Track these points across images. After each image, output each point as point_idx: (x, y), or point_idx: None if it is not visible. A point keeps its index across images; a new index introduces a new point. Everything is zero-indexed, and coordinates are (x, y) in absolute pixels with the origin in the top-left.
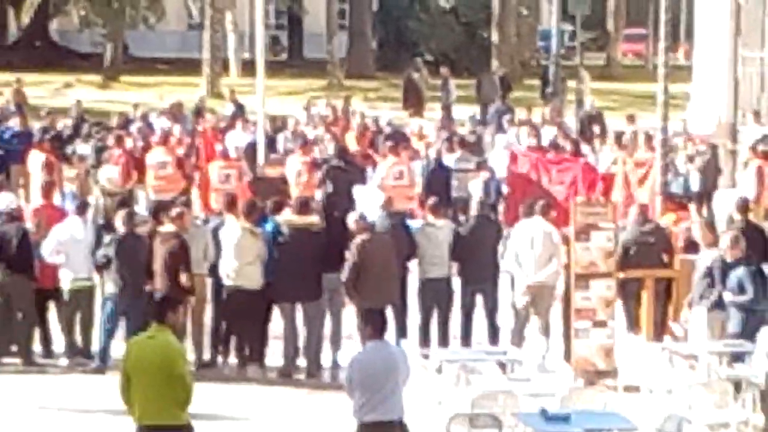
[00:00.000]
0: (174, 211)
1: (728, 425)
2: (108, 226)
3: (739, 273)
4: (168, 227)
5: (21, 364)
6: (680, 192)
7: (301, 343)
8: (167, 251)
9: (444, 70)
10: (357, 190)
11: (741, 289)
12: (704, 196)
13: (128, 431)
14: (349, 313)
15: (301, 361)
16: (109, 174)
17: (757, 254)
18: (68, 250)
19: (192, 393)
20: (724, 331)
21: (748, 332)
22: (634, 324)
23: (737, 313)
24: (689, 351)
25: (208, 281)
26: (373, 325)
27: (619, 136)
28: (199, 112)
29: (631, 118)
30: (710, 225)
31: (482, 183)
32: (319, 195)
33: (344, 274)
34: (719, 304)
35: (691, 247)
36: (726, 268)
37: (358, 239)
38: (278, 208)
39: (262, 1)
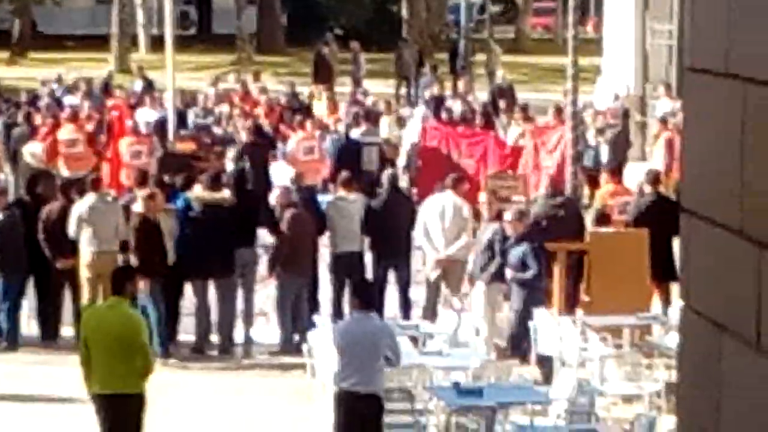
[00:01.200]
0: (144, 193)
1: (641, 396)
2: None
3: (521, 250)
4: (136, 206)
5: None
6: (591, 165)
7: (213, 319)
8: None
9: (354, 45)
10: (273, 166)
11: (524, 266)
12: (615, 169)
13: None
14: (264, 290)
15: (214, 338)
16: (34, 149)
17: (668, 226)
18: None
19: (152, 362)
20: (501, 305)
21: (528, 308)
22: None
23: (519, 290)
24: (602, 323)
25: (119, 258)
26: (360, 296)
27: (524, 108)
28: (107, 87)
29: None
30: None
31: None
32: (230, 169)
33: (277, 249)
34: (498, 277)
35: (603, 219)
36: (506, 242)
37: (288, 213)
38: (188, 184)
39: None
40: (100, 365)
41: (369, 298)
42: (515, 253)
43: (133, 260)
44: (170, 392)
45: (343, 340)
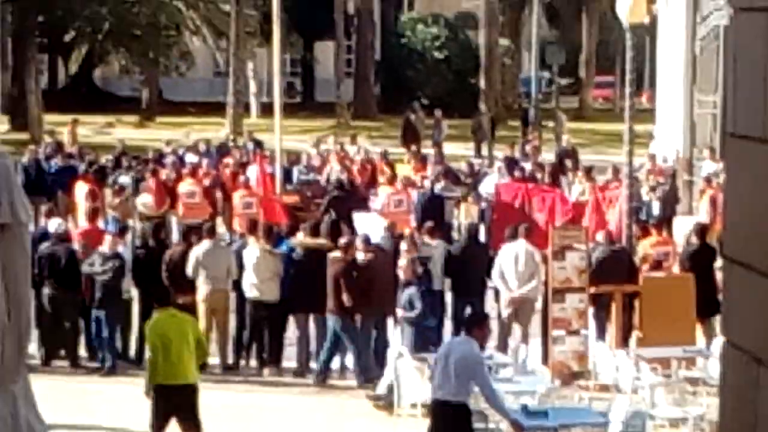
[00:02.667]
0: (343, 242)
1: (686, 420)
2: (145, 246)
3: (409, 292)
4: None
5: (69, 366)
6: (643, 218)
7: (312, 348)
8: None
9: (437, 112)
10: (357, 216)
11: (411, 306)
12: (664, 222)
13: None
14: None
15: (313, 364)
16: (145, 200)
17: (711, 271)
18: None
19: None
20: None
21: (418, 343)
22: (603, 332)
23: (407, 327)
24: (652, 355)
25: (232, 295)
26: (470, 324)
27: (588, 170)
28: (223, 148)
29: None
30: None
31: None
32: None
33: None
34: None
35: (656, 266)
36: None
37: (365, 258)
38: (292, 231)
39: (279, 51)
40: (167, 361)
41: (475, 326)
42: (405, 295)
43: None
44: (274, 410)
45: (446, 353)
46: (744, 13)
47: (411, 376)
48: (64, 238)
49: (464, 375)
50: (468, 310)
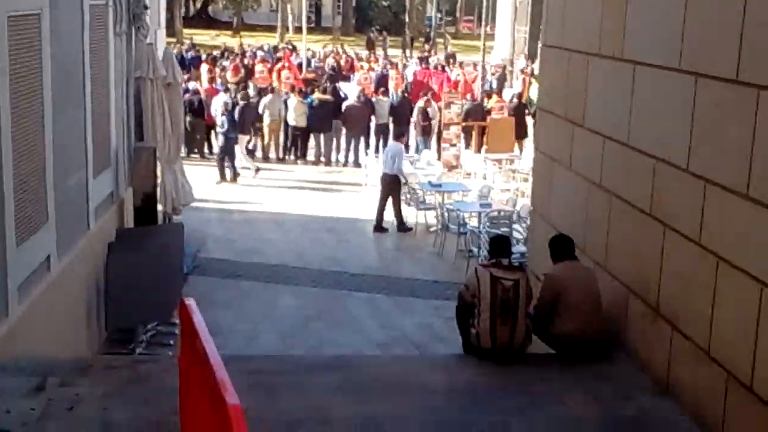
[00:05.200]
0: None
1: (509, 190)
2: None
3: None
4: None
5: (199, 158)
6: (488, 89)
7: (323, 149)
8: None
9: (384, 34)
10: (343, 85)
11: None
12: (499, 91)
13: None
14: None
15: (321, 158)
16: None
17: (523, 115)
18: (218, 108)
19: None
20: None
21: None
22: (468, 145)
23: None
24: (493, 157)
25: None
26: (401, 137)
27: (461, 63)
28: (275, 49)
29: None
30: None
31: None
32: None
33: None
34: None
35: (496, 112)
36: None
37: (354, 104)
38: (311, 91)
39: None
40: None
41: (400, 137)
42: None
43: None
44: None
45: (387, 150)
46: None
47: (373, 163)
48: (197, 91)
49: (394, 158)
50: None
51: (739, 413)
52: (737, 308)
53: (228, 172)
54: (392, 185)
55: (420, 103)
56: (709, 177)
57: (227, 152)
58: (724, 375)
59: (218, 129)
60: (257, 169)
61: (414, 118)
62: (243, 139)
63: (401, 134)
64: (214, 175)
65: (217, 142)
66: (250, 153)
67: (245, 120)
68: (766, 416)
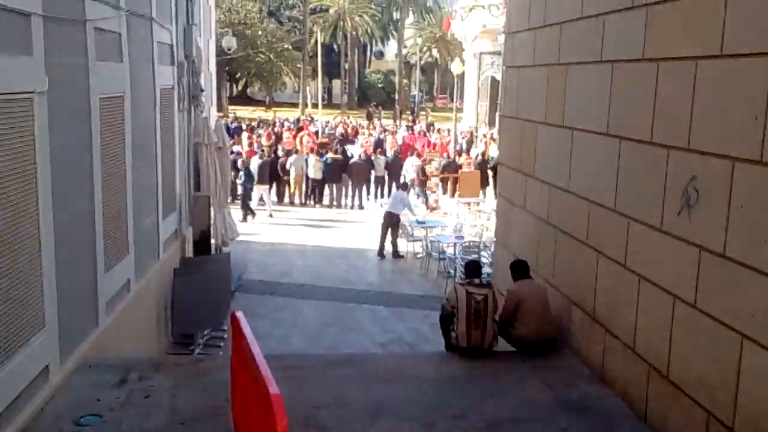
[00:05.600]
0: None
1: (476, 225)
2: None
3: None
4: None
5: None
6: (458, 149)
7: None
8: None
9: (379, 108)
10: (349, 147)
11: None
12: (467, 151)
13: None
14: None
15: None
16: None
17: (486, 169)
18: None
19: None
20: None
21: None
22: (445, 191)
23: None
24: (464, 200)
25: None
26: (404, 187)
27: (438, 129)
28: (298, 120)
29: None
30: None
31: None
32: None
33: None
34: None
35: (465, 167)
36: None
37: (359, 161)
38: (326, 152)
39: (321, 82)
40: None
41: (405, 187)
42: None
43: None
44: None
45: (394, 195)
46: (509, 69)
47: (376, 206)
48: (239, 153)
49: (400, 203)
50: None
51: (658, 395)
52: (655, 314)
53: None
54: (393, 222)
55: (417, 162)
56: (630, 215)
57: (245, 197)
58: (647, 367)
59: (237, 180)
60: (270, 214)
61: (413, 175)
62: (263, 187)
63: (406, 185)
64: (252, 217)
65: (237, 190)
66: (279, 198)
67: (263, 173)
68: (677, 397)
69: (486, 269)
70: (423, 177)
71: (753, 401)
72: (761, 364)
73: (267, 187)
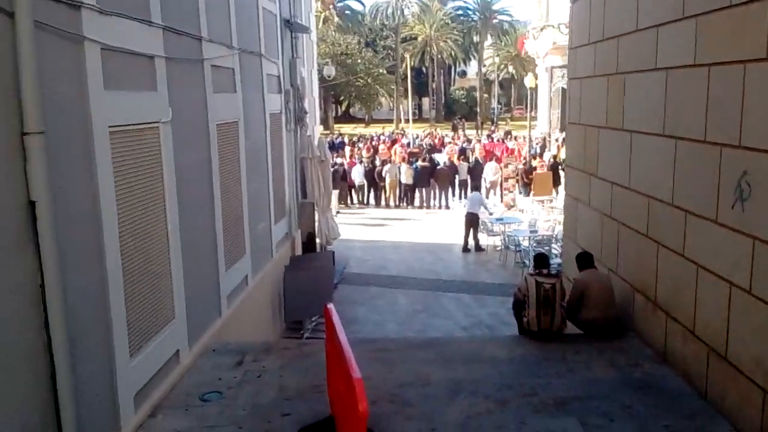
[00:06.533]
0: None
1: (549, 220)
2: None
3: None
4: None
5: (344, 207)
6: (533, 152)
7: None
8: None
9: (463, 120)
10: (435, 156)
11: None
12: (541, 154)
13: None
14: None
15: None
16: (363, 152)
17: (557, 171)
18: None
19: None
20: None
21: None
22: (521, 192)
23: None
24: (538, 199)
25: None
26: (479, 189)
27: (515, 137)
28: (392, 133)
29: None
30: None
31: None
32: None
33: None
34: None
35: (540, 169)
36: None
37: (444, 167)
38: (416, 160)
39: (411, 101)
40: None
41: (479, 189)
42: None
43: None
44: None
45: (471, 197)
46: (572, 80)
47: (460, 206)
48: (342, 164)
49: (477, 203)
50: (474, 185)
51: (716, 375)
52: (712, 299)
53: None
54: (473, 220)
55: (496, 166)
56: (687, 208)
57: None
58: (706, 348)
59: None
60: (337, 212)
61: (492, 178)
62: (334, 192)
63: (478, 188)
64: (354, 218)
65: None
66: (376, 201)
67: (333, 179)
68: (735, 377)
69: (556, 260)
70: (502, 179)
71: None
72: None
73: (336, 191)
